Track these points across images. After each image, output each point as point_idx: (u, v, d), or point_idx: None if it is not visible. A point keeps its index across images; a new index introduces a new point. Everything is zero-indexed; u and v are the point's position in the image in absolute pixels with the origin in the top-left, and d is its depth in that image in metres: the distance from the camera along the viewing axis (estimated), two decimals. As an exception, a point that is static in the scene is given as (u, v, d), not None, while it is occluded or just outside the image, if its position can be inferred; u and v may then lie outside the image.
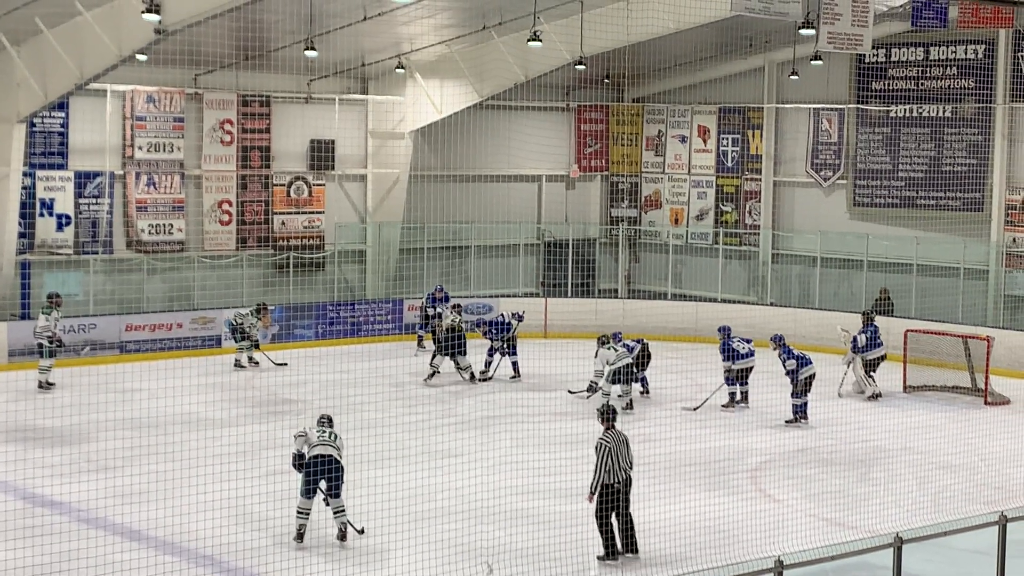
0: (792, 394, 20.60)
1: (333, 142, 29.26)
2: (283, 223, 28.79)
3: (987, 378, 22.50)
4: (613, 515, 13.34)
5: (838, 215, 30.39)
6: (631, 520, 13.44)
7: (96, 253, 26.24)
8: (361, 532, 13.84)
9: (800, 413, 20.52)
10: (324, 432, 14.22)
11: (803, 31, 20.48)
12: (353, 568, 12.29)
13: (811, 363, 20.79)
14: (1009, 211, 27.59)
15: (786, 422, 20.47)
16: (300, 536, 13.75)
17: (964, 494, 16.46)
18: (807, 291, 30.21)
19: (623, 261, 33.21)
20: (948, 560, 12.02)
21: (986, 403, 22.24)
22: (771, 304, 29.85)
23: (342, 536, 13.78)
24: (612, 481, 13.29)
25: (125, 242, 26.72)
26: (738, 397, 21.53)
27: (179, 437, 18.02)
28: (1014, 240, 27.46)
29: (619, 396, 20.90)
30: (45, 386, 21.92)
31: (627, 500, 13.43)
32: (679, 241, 32.72)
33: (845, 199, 30.39)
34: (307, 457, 13.95)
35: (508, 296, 29.72)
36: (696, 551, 13.15)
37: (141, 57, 22.70)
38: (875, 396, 22.46)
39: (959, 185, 28.33)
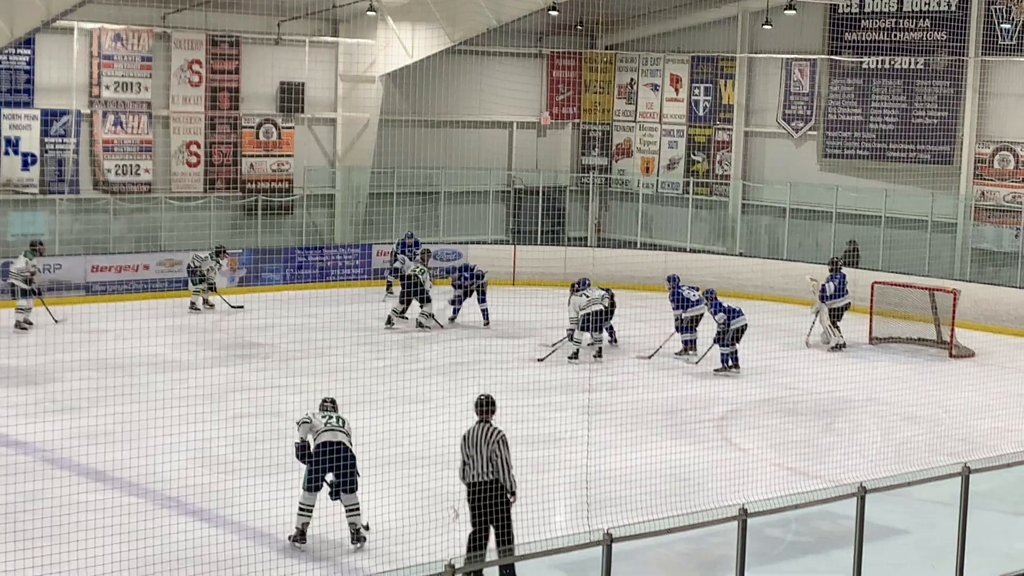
0: (720, 343, 20.72)
1: (303, 85, 29.01)
2: (252, 166, 28.58)
3: (952, 331, 22.66)
4: (482, 520, 11.26)
5: (808, 166, 30.41)
6: (505, 536, 11.21)
7: (62, 193, 26.00)
8: (366, 529, 12.46)
9: (728, 361, 20.69)
10: (330, 417, 12.63)
11: (778, -20, 20.41)
12: (319, 510, 12.28)
13: (742, 315, 20.88)
14: (978, 165, 27.67)
15: (715, 371, 20.60)
16: (302, 535, 12.28)
17: (928, 445, 16.59)
18: (776, 242, 30.28)
19: (593, 209, 33.18)
20: (911, 510, 12.15)
21: (951, 355, 22.41)
22: (740, 254, 29.93)
23: (356, 538, 12.28)
24: (469, 480, 11.40)
25: (92, 182, 26.49)
26: (691, 347, 21.49)
27: (145, 379, 17.99)
28: (982, 194, 27.56)
29: (589, 344, 20.95)
30: (23, 325, 21.85)
31: (498, 512, 11.23)
32: (649, 190, 32.69)
33: (815, 150, 30.40)
34: (312, 446, 12.42)
35: (477, 243, 29.68)
36: (661, 499, 13.20)
37: (109, -6, 22.42)
38: (839, 347, 22.57)
39: (929, 138, 28.37)
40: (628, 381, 18.96)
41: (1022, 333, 24.21)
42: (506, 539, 11.01)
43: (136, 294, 25.07)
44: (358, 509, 12.31)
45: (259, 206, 28.33)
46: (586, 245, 31.55)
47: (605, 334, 21.67)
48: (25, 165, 25.58)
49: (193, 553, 11.54)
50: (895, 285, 23.81)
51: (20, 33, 23.13)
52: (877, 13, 28.89)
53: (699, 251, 30.15)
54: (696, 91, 32.31)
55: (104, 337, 20.43)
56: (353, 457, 12.42)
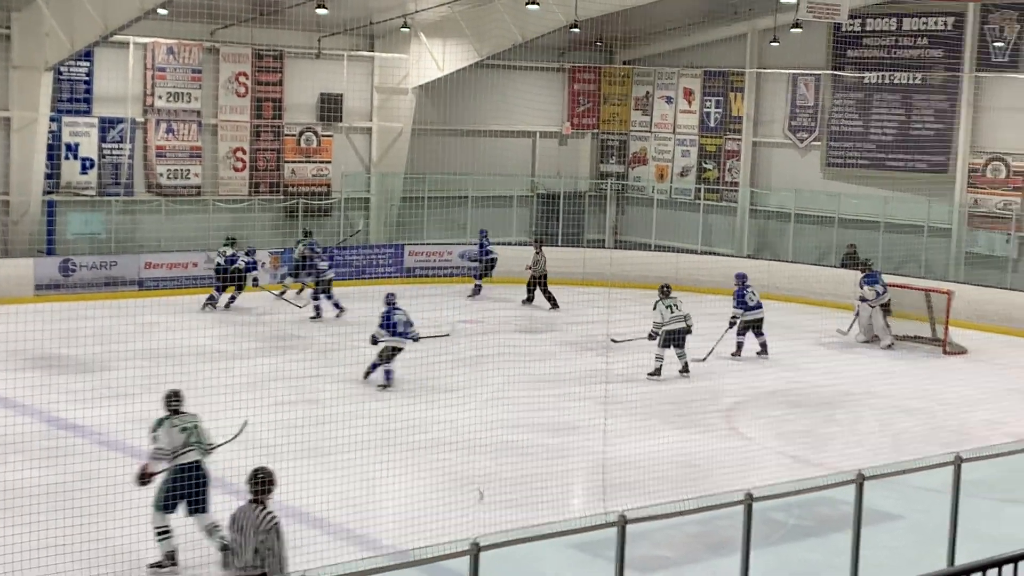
0: (737, 332, 20.89)
1: (341, 96, 29.06)
2: (293, 171, 28.64)
3: (947, 329, 22.52)
4: None
5: (812, 174, 30.28)
6: None
7: (118, 195, 26.11)
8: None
9: (736, 349, 20.85)
10: (183, 427, 11.13)
11: (785, 0, 20.31)
12: (354, 488, 12.28)
13: (759, 308, 20.91)
14: (972, 174, 27.51)
15: (731, 355, 20.72)
16: (171, 558, 10.88)
17: (922, 436, 16.48)
18: (782, 245, 30.16)
19: (610, 214, 33.11)
20: (905, 497, 12.07)
21: (945, 352, 22.27)
22: (748, 256, 29.81)
23: (223, 547, 10.44)
24: (233, 570, 9.19)
25: (145, 185, 26.59)
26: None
27: (192, 368, 18.01)
28: (975, 201, 27.40)
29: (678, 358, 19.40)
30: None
31: None
32: (663, 196, 32.62)
33: (819, 159, 30.27)
34: (170, 464, 10.97)
35: (503, 244, 29.64)
36: (670, 484, 13.16)
37: (162, 11, 22.49)
38: (890, 346, 22.40)
39: (926, 149, 28.23)
40: (642, 373, 18.90)
41: (1012, 332, 24.06)
42: None
43: (186, 289, 25.12)
44: (218, 526, 10.81)
45: (300, 208, 28.39)
46: (604, 247, 31.47)
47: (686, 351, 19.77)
48: (84, 169, 25.68)
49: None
50: (893, 286, 23.67)
51: (80, 47, 23.31)
52: (878, 32, 28.74)
53: (709, 253, 30.06)
54: (708, 103, 32.21)
55: (155, 329, 20.51)
56: (207, 475, 11.12)
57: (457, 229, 30.01)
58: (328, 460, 13.45)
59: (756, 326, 21.12)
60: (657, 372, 19.16)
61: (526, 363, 19.46)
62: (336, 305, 23.18)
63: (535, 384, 17.92)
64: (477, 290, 26.52)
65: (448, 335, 19.67)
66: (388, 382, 17.84)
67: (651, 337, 19.40)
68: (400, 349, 18.16)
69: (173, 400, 11.41)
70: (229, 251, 23.79)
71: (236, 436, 11.81)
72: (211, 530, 10.99)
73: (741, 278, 21.33)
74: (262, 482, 9.14)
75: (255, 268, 24.03)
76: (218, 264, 23.81)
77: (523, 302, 25.89)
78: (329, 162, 29.20)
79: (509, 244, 29.85)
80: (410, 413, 15.09)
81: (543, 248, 26.18)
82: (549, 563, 10.51)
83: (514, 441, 15.09)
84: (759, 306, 21.18)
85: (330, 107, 28.85)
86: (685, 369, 19.34)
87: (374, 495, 12.40)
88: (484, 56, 28.62)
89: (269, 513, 9.00)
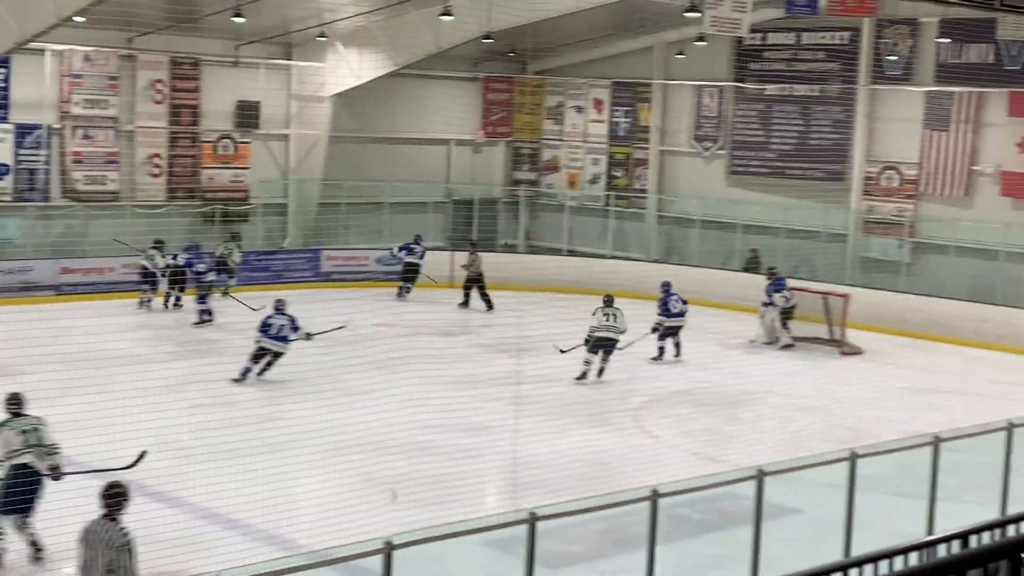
0: (659, 336, 21.09)
1: (259, 103, 28.79)
2: (210, 177, 28.30)
3: (843, 331, 22.90)
4: None
5: (716, 182, 30.63)
6: None
7: (34, 201, 25.60)
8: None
9: (658, 353, 21.05)
10: (23, 430, 10.87)
11: (689, 14, 20.54)
12: (269, 489, 12.17)
13: (681, 316, 21.19)
14: (867, 182, 28.01)
15: (652, 359, 20.88)
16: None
17: (820, 433, 16.74)
18: (688, 250, 30.45)
19: (523, 219, 33.19)
20: (804, 492, 12.23)
21: (842, 353, 22.64)
22: (655, 261, 30.04)
23: (37, 549, 10.72)
24: None
25: (61, 191, 26.10)
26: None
27: (110, 372, 17.71)
28: (870, 208, 27.90)
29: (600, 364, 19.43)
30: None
31: None
32: (574, 203, 32.76)
33: (723, 168, 30.63)
34: (8, 465, 10.70)
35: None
36: (579, 482, 13.23)
37: (79, 19, 22.08)
38: (788, 346, 22.72)
39: (824, 158, 28.69)
40: (555, 374, 18.96)
41: (905, 333, 24.52)
42: None
43: (102, 294, 24.70)
44: (28, 523, 10.80)
45: (217, 214, 28.07)
46: (517, 252, 31.53)
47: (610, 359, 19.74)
48: (0, 175, 25.16)
49: (151, 531, 11.37)
50: (793, 290, 24.00)
51: (-4, 53, 22.82)
52: (778, 46, 29.16)
53: (619, 258, 30.26)
54: (616, 113, 32.43)
55: (72, 333, 20.12)
56: (40, 480, 10.79)
57: (372, 235, 29.87)
58: (243, 462, 13.30)
59: (675, 332, 21.33)
60: (583, 376, 19.27)
61: (441, 365, 19.42)
62: (206, 311, 22.83)
63: (449, 386, 17.89)
64: (405, 291, 26.65)
65: (343, 327, 19.58)
66: (242, 376, 18.13)
67: (586, 342, 19.50)
68: (275, 352, 18.45)
69: (13, 403, 11.20)
70: (157, 255, 23.71)
71: (133, 465, 11.56)
72: (21, 527, 10.76)
73: (666, 287, 21.66)
74: (115, 496, 8.65)
75: (194, 265, 24.02)
76: (144, 267, 23.69)
77: (459, 305, 25.83)
78: (247, 168, 28.89)
79: (428, 249, 29.81)
80: (325, 415, 14.98)
81: (478, 251, 26.28)
82: (461, 561, 10.50)
83: (428, 442, 15.06)
84: (681, 314, 21.40)
85: (247, 114, 28.56)
86: (600, 373, 19.44)
87: (289, 496, 12.30)
88: (400, 65, 28.53)
89: (122, 529, 8.56)
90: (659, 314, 21.27)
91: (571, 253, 31.12)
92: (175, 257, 24.19)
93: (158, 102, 27.27)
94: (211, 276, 23.50)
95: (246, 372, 18.37)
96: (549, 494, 12.04)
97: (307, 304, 24.25)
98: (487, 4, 24.95)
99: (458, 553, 10.07)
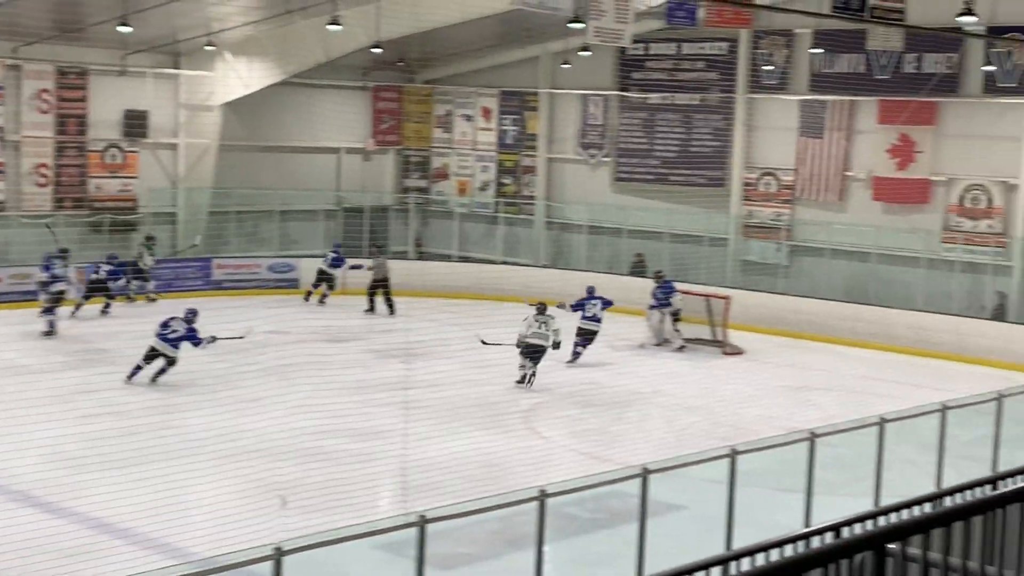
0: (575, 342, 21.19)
1: (147, 112, 28.26)
2: (98, 187, 27.69)
3: (725, 332, 23.25)
4: None
5: (602, 188, 30.89)
6: None
7: (-84, 211, 24.80)
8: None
9: (574, 356, 21.11)
10: None
11: (573, 25, 20.65)
12: (160, 498, 11.94)
13: (595, 320, 21.36)
14: (746, 188, 28.50)
15: (567, 362, 20.94)
16: None
17: (703, 432, 16.94)
18: (575, 255, 30.65)
19: (413, 226, 33.09)
20: (688, 488, 12.39)
21: (724, 353, 22.98)
22: (544, 266, 30.19)
23: None
24: None
25: (-55, 201, 25.33)
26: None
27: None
28: (749, 213, 28.39)
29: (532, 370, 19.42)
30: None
31: None
32: (464, 209, 32.78)
33: (609, 175, 30.90)
34: None
35: (309, 257, 29.27)
36: (470, 484, 13.21)
37: (-40, 27, 21.46)
38: (681, 348, 22.96)
39: (705, 164, 29.11)
40: (445, 378, 18.91)
41: (783, 333, 24.96)
42: None
43: (-11, 305, 24.01)
44: None
45: (106, 224, 27.50)
46: (407, 258, 31.43)
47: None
48: None
49: (42, 543, 11.09)
50: (678, 292, 24.28)
51: None
52: (660, 56, 29.52)
53: (509, 263, 30.34)
54: (505, 121, 32.53)
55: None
56: None
57: (261, 243, 29.53)
58: (135, 471, 13.04)
59: (588, 336, 21.39)
60: (522, 380, 19.23)
61: (332, 372, 19.26)
62: (49, 323, 22.07)
63: (340, 392, 17.74)
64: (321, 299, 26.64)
65: (243, 337, 19.35)
66: (132, 374, 18.23)
67: (517, 344, 19.56)
68: (167, 358, 18.41)
69: None
70: (59, 264, 23.07)
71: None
72: None
73: (589, 290, 21.86)
74: None
75: (121, 276, 24.10)
76: (41, 280, 22.95)
77: (365, 312, 25.57)
78: (135, 177, 28.34)
79: (316, 257, 29.54)
80: (216, 423, 14.76)
81: (384, 256, 26.43)
82: (353, 565, 10.43)
83: (319, 447, 14.92)
84: (596, 319, 21.46)
85: (135, 123, 28.02)
86: (523, 380, 19.25)
87: (181, 504, 12.09)
88: (289, 74, 28.25)
89: None
90: (572, 310, 21.35)
91: (462, 259, 31.12)
92: (96, 270, 24.07)
93: (44, 112, 26.62)
94: (62, 285, 22.66)
95: (136, 370, 18.24)
96: (440, 497, 12.00)
97: (200, 312, 23.93)
98: (375, 14, 24.85)
99: (349, 557, 10.00)
